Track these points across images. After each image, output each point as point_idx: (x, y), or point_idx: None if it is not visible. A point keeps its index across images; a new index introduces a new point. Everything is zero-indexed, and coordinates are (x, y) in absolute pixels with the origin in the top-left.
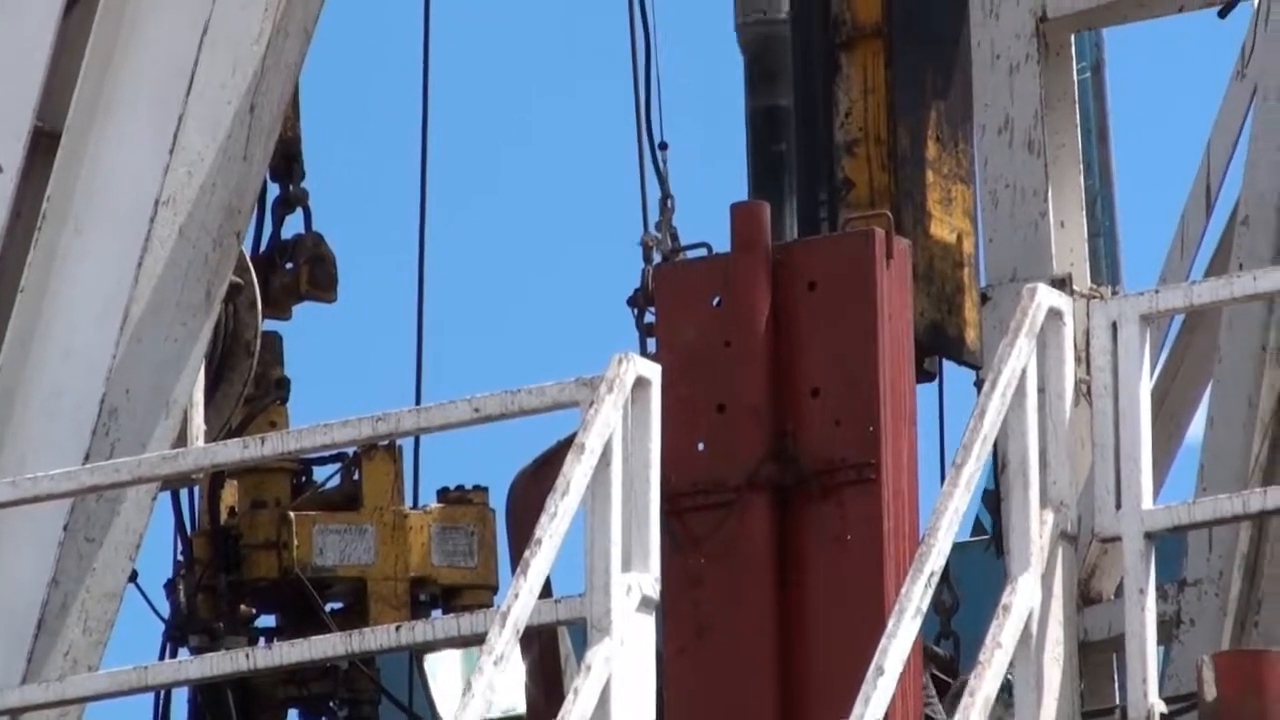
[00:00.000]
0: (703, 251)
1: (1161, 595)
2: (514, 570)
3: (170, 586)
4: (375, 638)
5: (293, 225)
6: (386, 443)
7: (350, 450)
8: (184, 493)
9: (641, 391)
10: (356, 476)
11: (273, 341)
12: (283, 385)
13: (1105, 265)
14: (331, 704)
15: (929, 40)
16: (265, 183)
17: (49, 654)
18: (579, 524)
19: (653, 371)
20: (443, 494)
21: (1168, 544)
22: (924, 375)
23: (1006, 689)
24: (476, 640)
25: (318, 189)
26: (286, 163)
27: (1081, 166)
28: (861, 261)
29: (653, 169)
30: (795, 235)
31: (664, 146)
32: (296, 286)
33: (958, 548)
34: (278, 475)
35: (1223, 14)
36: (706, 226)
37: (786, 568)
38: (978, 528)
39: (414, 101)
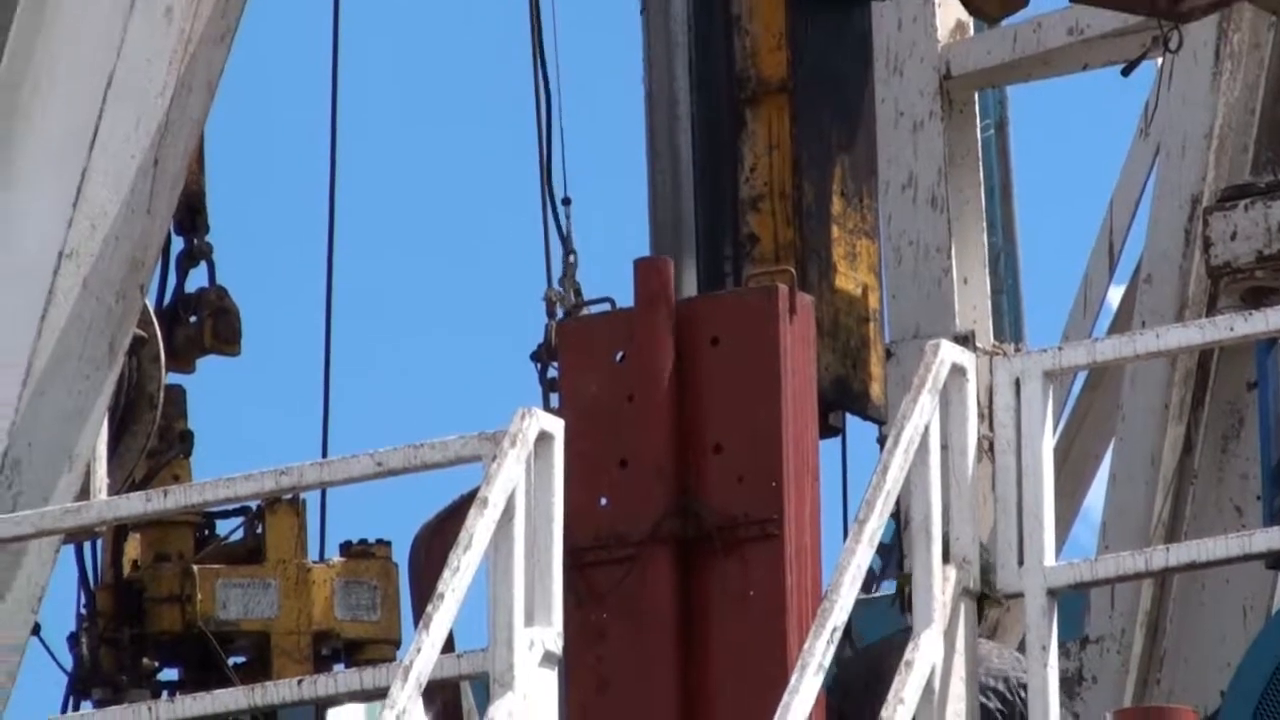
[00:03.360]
0: (606, 307)
1: (1064, 652)
2: (417, 624)
3: (73, 640)
4: (278, 691)
5: (197, 279)
6: (290, 496)
7: (254, 504)
8: (87, 546)
9: (544, 446)
10: (260, 530)
11: (176, 395)
12: (186, 439)
13: (1008, 322)
14: None
15: (834, 96)
16: (169, 236)
17: None
18: (482, 578)
19: (556, 426)
20: (346, 548)
21: (1070, 601)
22: (829, 430)
23: None
24: (379, 694)
25: (222, 242)
26: (191, 216)
27: (985, 224)
28: (764, 317)
29: (556, 224)
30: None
31: (567, 201)
32: (200, 340)
33: (861, 603)
34: (181, 529)
35: (1126, 72)
36: (610, 282)
37: (689, 623)
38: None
39: (321, 155)
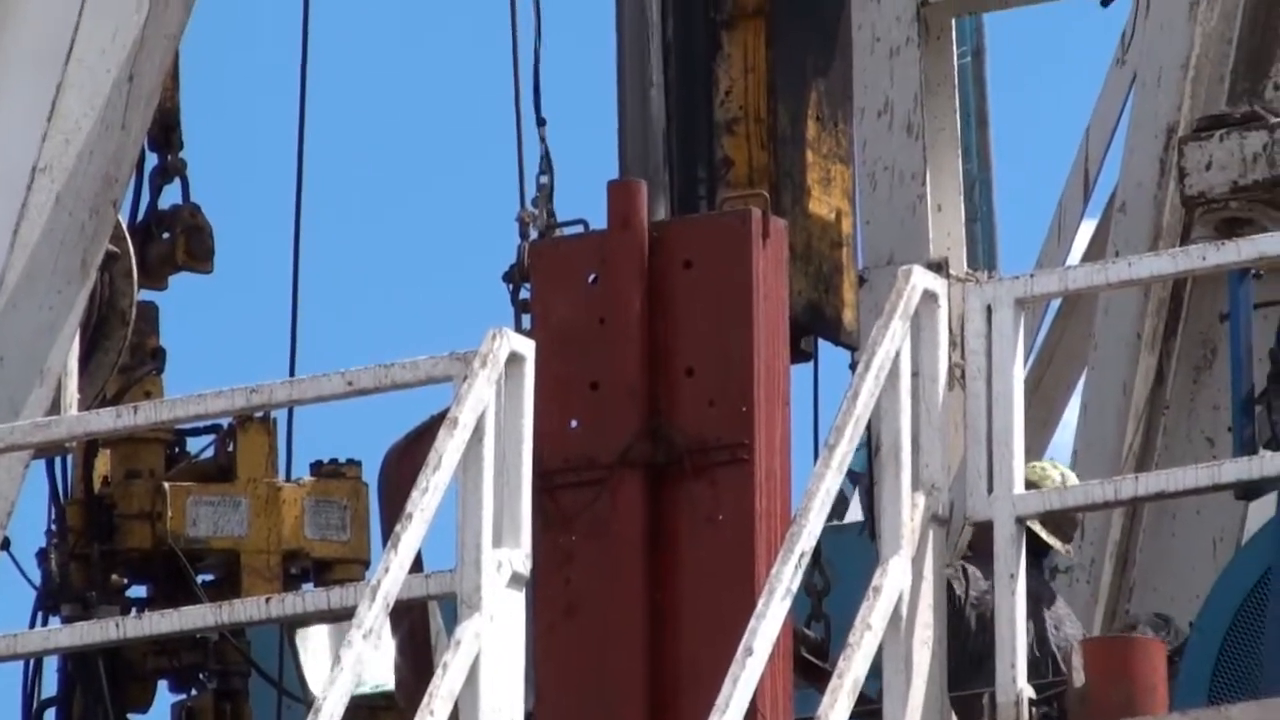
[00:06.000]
0: (579, 228)
1: None
2: (385, 545)
3: (42, 555)
4: (245, 609)
5: (170, 195)
6: (261, 415)
7: (224, 421)
8: (58, 461)
9: (515, 367)
10: (231, 448)
11: (148, 311)
12: (158, 355)
13: (982, 250)
14: (201, 675)
15: (810, 21)
16: (143, 152)
17: None
18: (451, 499)
19: (527, 347)
20: (316, 467)
21: None
22: (801, 355)
23: None
24: (347, 614)
25: (196, 160)
26: (165, 132)
27: (960, 151)
28: (737, 241)
29: (532, 144)
30: (672, 214)
31: (543, 122)
32: (173, 257)
33: (831, 530)
34: (152, 445)
35: (1105, 2)
36: (583, 205)
37: (658, 546)
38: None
39: (292, 74)
